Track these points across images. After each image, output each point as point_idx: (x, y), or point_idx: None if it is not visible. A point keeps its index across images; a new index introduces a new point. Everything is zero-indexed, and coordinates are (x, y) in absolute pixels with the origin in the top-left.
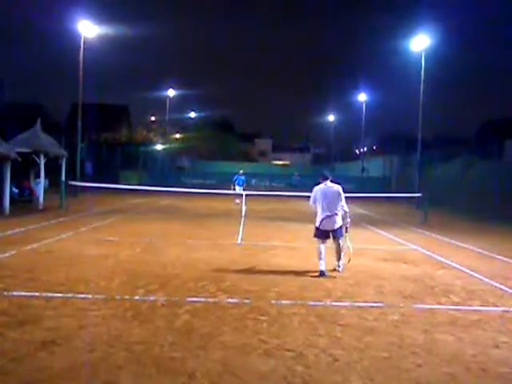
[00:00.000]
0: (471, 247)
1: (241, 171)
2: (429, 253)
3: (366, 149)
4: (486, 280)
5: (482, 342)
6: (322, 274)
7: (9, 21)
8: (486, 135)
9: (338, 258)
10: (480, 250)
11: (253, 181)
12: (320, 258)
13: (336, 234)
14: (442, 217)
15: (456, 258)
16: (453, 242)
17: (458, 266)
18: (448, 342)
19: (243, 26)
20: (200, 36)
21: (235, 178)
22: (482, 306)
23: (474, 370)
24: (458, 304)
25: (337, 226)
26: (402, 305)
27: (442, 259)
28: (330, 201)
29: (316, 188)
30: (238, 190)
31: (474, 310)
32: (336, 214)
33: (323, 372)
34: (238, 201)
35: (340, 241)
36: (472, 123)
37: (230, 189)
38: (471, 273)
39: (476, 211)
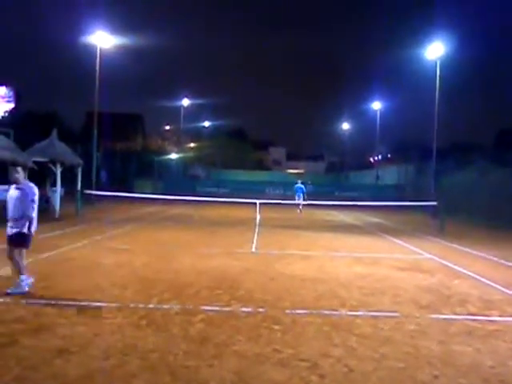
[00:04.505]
0: (488, 256)
1: (299, 181)
2: (445, 262)
3: (380, 157)
4: (504, 289)
5: (501, 352)
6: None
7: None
8: (502, 142)
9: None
10: (497, 259)
11: (270, 188)
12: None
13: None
14: (458, 225)
15: (472, 267)
16: (469, 250)
17: (474, 276)
18: (465, 352)
19: (257, 36)
20: (214, 46)
21: (295, 188)
22: (499, 316)
23: (493, 382)
24: (474, 314)
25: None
26: (417, 315)
27: (458, 268)
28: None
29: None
30: (297, 199)
31: (492, 320)
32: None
33: (338, 382)
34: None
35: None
36: (488, 130)
37: (246, 198)
38: (488, 282)
39: (492, 219)
